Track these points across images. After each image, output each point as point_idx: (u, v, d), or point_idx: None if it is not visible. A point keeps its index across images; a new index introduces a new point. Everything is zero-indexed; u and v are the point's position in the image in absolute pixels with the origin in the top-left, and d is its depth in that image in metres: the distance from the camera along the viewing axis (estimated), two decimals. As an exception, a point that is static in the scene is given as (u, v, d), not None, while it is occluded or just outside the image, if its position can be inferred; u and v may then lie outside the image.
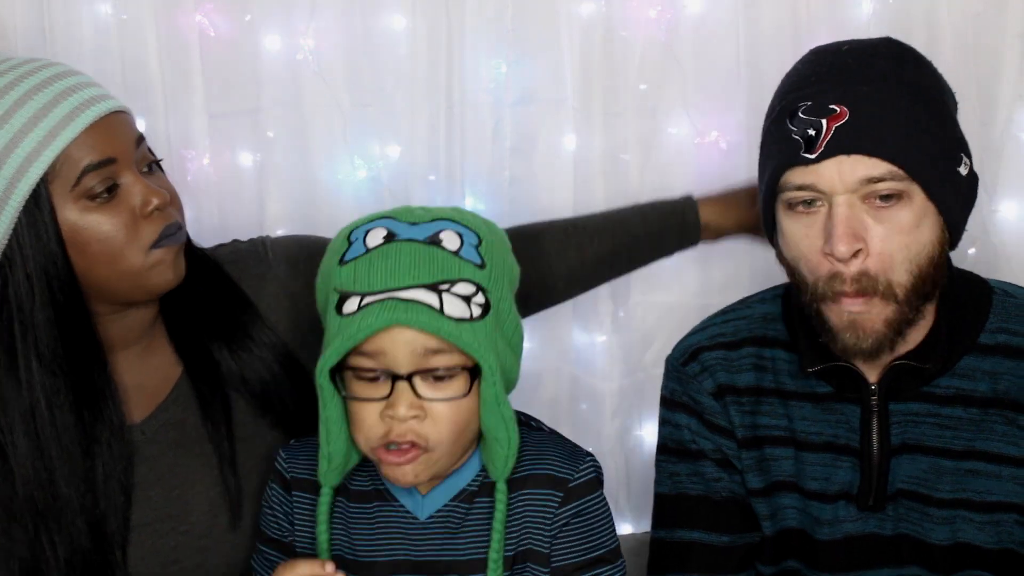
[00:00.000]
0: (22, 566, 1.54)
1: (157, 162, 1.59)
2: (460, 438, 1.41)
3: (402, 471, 1.39)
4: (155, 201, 1.52)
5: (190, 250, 1.63)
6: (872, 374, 1.55)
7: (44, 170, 1.47)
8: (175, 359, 1.65)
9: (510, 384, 1.46)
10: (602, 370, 2.24)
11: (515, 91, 2.14)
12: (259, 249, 1.72)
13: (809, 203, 1.46)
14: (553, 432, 1.55)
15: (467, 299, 1.38)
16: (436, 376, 1.37)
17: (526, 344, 1.81)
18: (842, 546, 1.59)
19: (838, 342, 1.48)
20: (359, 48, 2.12)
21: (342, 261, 1.40)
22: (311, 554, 1.48)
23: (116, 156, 1.50)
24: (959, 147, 1.49)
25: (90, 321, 1.55)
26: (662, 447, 1.70)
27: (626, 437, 2.26)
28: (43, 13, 2.02)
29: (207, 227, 2.14)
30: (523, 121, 2.16)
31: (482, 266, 1.41)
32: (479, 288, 1.39)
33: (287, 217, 2.15)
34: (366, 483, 1.49)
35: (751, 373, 1.63)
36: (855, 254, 1.42)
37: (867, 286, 1.44)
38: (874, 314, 1.45)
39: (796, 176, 1.45)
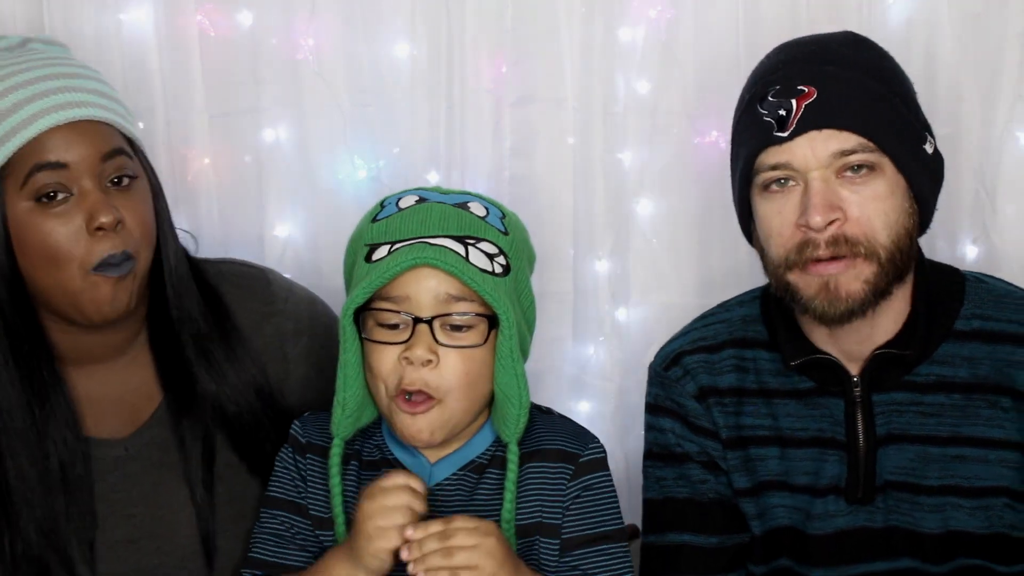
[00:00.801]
0: None
1: (153, 179, 1.58)
2: (471, 392, 1.45)
3: (417, 426, 1.43)
4: (102, 218, 1.48)
5: (188, 267, 1.61)
6: (853, 366, 1.56)
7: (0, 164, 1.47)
8: (157, 381, 1.62)
9: (523, 352, 1.50)
10: (602, 370, 2.24)
11: (515, 91, 2.14)
12: (272, 288, 1.69)
13: (783, 182, 1.48)
14: (564, 416, 1.59)
15: (491, 257, 1.44)
16: (454, 325, 1.42)
17: (525, 344, 1.82)
18: (833, 541, 1.59)
19: (811, 309, 1.49)
20: (359, 48, 2.12)
21: (374, 220, 1.47)
22: (328, 517, 1.49)
23: (71, 162, 1.49)
24: (923, 127, 1.53)
25: (36, 320, 1.53)
26: (648, 453, 1.72)
27: (626, 437, 2.25)
28: (43, 13, 2.02)
29: (207, 227, 2.14)
30: (523, 121, 2.16)
31: (506, 233, 1.48)
32: (502, 252, 1.46)
33: (287, 217, 2.15)
34: (375, 453, 1.52)
35: (733, 375, 1.64)
36: (832, 223, 1.45)
37: (845, 250, 1.45)
38: (852, 275, 1.46)
39: (770, 156, 1.48)
